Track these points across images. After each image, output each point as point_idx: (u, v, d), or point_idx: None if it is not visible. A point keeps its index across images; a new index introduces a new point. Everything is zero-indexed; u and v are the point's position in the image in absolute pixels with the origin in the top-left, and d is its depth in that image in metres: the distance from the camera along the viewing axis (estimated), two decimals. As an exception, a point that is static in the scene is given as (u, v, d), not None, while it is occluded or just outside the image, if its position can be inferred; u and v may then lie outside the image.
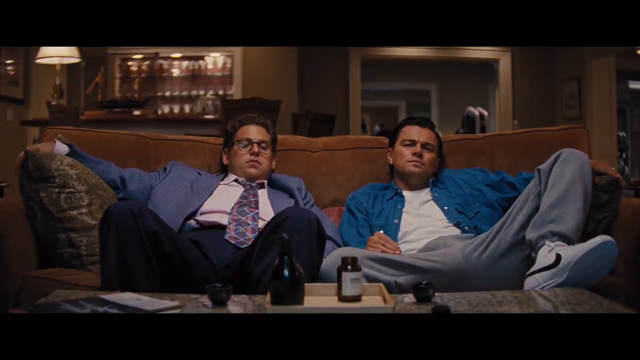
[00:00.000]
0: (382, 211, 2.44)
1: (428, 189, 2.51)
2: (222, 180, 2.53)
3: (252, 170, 2.50)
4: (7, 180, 3.50)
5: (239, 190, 2.43)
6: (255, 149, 2.51)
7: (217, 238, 2.14)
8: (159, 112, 6.61)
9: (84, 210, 2.19)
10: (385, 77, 10.20)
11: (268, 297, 1.47)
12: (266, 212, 2.31)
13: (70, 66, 5.91)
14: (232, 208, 2.29)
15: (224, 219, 2.25)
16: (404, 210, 2.42)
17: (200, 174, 2.53)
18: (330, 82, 7.48)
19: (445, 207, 2.39)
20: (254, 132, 2.55)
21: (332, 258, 1.90)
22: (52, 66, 5.39)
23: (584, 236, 2.08)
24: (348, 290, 1.57)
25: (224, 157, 2.62)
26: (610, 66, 6.90)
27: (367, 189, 2.55)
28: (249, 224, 2.22)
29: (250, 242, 2.10)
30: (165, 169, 2.53)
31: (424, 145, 2.50)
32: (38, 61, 5.42)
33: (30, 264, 2.15)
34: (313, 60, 7.22)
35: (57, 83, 5.34)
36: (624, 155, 8.51)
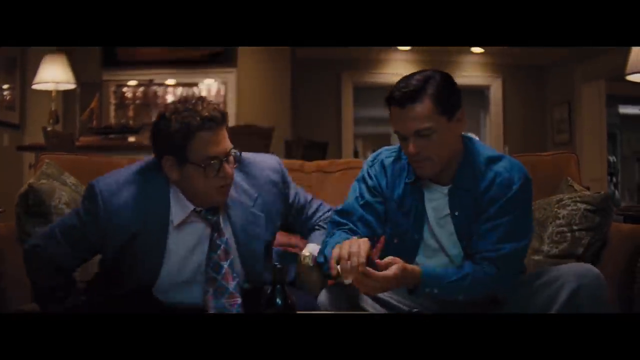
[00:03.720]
0: (403, 201, 1.90)
1: (447, 189, 1.88)
2: (169, 213, 1.82)
3: (224, 199, 1.84)
4: (3, 205, 3.50)
5: (199, 237, 1.85)
6: (228, 169, 1.78)
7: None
8: (154, 138, 6.63)
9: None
10: (379, 104, 10.22)
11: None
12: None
13: (65, 92, 5.95)
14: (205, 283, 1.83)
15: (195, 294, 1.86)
16: (425, 225, 1.90)
17: (142, 224, 1.80)
18: (323, 109, 7.53)
19: (464, 242, 1.86)
20: (216, 142, 1.76)
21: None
22: (48, 92, 5.42)
23: (572, 261, 2.10)
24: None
25: (168, 169, 1.80)
26: (600, 91, 6.99)
27: (382, 170, 1.96)
28: (229, 288, 1.84)
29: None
30: (92, 225, 1.81)
31: (417, 134, 1.79)
32: (34, 87, 5.45)
33: (25, 293, 2.13)
34: (305, 87, 7.28)
35: (53, 109, 5.37)
36: (614, 179, 8.57)
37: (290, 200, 2.01)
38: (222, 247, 1.83)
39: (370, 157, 2.01)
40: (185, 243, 1.84)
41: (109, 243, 1.81)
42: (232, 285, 1.83)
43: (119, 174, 1.87)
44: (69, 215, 1.94)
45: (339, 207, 1.97)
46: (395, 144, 1.96)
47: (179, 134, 1.73)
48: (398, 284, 1.68)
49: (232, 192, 1.87)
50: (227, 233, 1.86)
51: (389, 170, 1.94)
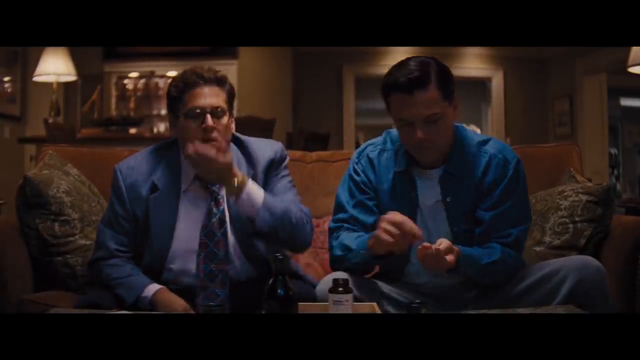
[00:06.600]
0: (394, 191, 1.91)
1: (439, 175, 1.88)
2: (180, 180, 1.97)
3: None
4: (4, 197, 3.51)
5: (204, 207, 1.96)
6: (209, 121, 1.87)
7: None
8: (155, 130, 6.63)
9: (77, 236, 2.20)
10: (380, 96, 10.23)
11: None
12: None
13: (67, 84, 5.94)
14: (198, 267, 1.93)
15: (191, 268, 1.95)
16: (418, 214, 1.90)
17: (155, 188, 1.97)
18: (324, 101, 7.52)
19: (455, 228, 1.88)
20: (204, 95, 1.90)
21: (329, 279, 1.81)
22: (49, 84, 5.42)
23: (573, 252, 2.11)
24: (332, 311, 1.57)
25: (170, 127, 2.01)
26: (602, 83, 6.97)
27: (369, 164, 1.97)
28: (218, 294, 1.91)
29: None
30: (120, 199, 1.98)
31: (427, 120, 1.78)
32: (35, 79, 5.44)
33: (26, 284, 2.15)
34: (307, 79, 7.28)
35: (54, 101, 5.36)
36: (615, 172, 8.57)
37: (273, 175, 2.03)
38: (217, 215, 1.94)
39: (355, 154, 2.03)
40: (192, 211, 1.96)
41: (136, 216, 1.96)
42: (221, 252, 1.93)
43: (138, 153, 2.07)
44: (106, 210, 2.07)
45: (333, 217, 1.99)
46: None
47: (175, 88, 1.93)
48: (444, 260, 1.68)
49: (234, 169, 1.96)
50: (225, 204, 1.96)
51: (376, 163, 1.96)
